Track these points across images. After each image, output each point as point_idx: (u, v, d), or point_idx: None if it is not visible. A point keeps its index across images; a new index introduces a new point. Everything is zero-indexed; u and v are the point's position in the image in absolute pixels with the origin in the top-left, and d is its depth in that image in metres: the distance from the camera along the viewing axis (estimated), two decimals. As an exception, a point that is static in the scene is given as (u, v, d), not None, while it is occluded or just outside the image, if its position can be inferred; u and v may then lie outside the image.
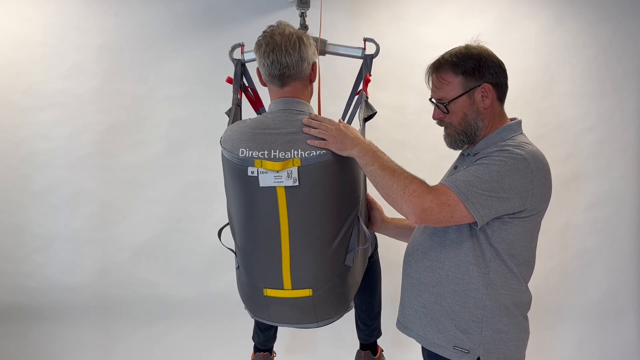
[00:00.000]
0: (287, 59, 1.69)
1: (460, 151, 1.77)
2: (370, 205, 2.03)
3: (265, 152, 1.65)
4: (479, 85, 1.62)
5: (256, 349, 2.33)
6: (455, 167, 1.74)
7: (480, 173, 1.51)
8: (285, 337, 3.07)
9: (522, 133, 1.67)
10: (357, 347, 2.34)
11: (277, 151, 1.65)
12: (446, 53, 1.68)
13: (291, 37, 1.70)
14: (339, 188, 1.70)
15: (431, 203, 1.49)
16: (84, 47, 3.04)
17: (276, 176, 1.61)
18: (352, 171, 1.72)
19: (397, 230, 2.04)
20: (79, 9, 3.03)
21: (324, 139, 1.62)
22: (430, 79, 1.70)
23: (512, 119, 1.70)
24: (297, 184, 1.61)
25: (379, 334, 2.29)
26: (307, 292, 1.72)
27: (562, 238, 3.40)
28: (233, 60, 2.14)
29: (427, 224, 1.57)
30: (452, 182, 1.52)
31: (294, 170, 1.61)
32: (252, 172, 1.63)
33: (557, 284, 3.40)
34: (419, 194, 1.50)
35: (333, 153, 1.64)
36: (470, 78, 1.62)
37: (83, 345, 3.12)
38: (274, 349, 2.37)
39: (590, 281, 3.42)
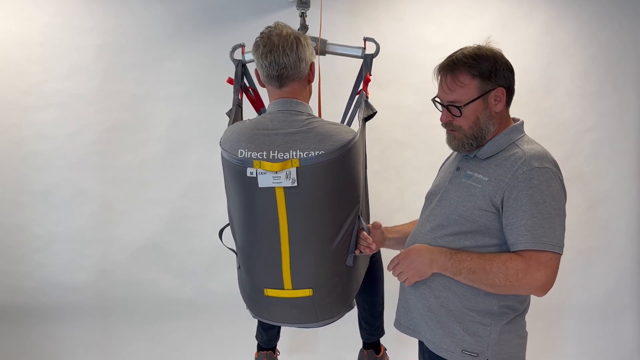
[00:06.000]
0: (285, 59, 1.68)
1: (456, 152, 1.69)
2: (371, 229, 1.84)
3: (264, 153, 1.65)
4: (494, 89, 1.56)
5: (259, 348, 2.33)
6: (457, 168, 1.66)
7: (545, 211, 1.48)
8: (288, 336, 3.06)
9: (525, 134, 1.63)
10: (360, 345, 2.34)
11: (276, 152, 1.65)
12: (458, 53, 1.58)
13: (288, 38, 1.69)
14: (338, 188, 1.70)
15: (540, 274, 1.49)
16: (84, 47, 3.04)
17: (275, 177, 1.62)
18: (352, 171, 1.72)
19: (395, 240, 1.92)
20: (78, 9, 3.03)
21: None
22: (444, 79, 1.59)
23: (514, 119, 1.65)
24: (295, 184, 1.61)
25: (381, 332, 2.29)
26: (307, 292, 1.72)
27: (562, 238, 3.39)
28: (234, 60, 2.14)
29: (547, 291, 1.54)
30: (536, 239, 1.47)
31: (293, 170, 1.61)
32: (251, 173, 1.64)
33: (557, 284, 3.35)
34: (524, 273, 1.48)
35: (332, 153, 1.63)
36: (486, 81, 1.55)
37: (83, 345, 3.11)
38: (278, 347, 2.37)
39: (590, 281, 3.42)
